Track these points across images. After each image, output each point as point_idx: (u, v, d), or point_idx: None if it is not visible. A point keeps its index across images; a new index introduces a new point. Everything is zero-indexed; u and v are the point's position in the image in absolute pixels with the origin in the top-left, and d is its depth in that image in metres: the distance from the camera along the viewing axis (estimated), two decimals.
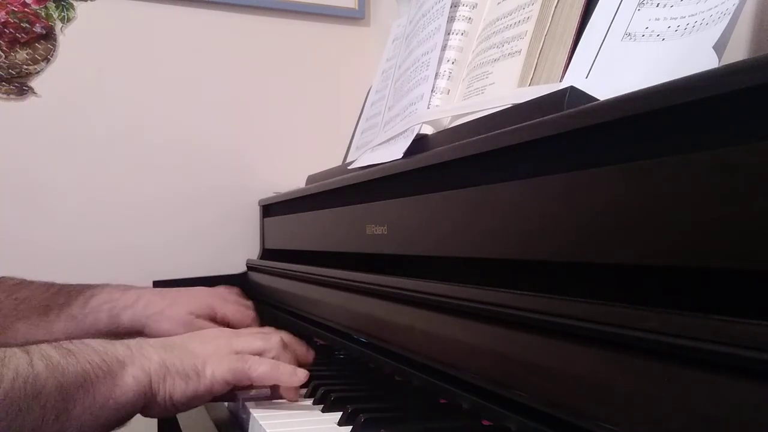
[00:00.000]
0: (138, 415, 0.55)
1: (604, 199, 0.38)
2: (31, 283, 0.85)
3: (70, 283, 0.86)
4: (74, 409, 0.48)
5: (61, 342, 0.52)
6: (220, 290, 0.92)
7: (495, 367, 0.47)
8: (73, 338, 0.79)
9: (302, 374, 0.59)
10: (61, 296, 0.83)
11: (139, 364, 0.53)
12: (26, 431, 0.45)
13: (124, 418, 0.53)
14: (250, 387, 0.61)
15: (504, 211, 0.48)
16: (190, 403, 0.56)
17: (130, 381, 0.52)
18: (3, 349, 0.47)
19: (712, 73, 0.32)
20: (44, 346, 0.50)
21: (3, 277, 0.85)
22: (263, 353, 0.61)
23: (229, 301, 0.89)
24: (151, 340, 0.58)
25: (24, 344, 0.50)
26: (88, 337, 0.79)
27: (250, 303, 0.94)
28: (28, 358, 0.47)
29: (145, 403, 0.54)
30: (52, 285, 0.85)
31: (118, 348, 0.54)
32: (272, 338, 0.63)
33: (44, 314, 0.81)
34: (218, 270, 1.32)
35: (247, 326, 0.87)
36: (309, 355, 0.68)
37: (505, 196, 0.48)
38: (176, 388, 0.54)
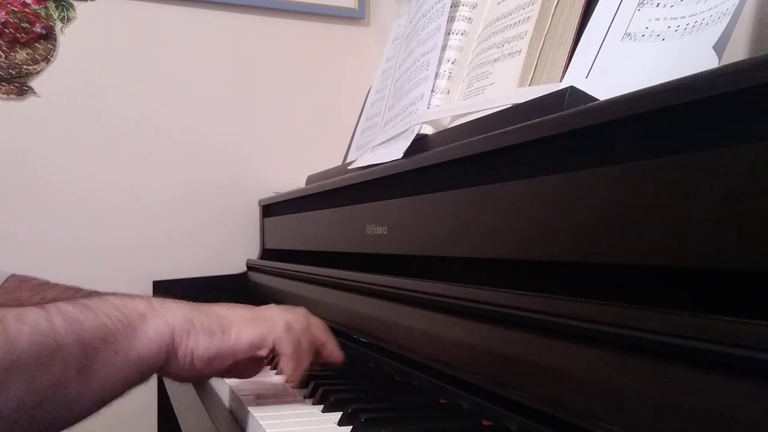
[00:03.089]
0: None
1: (604, 199, 0.38)
2: (56, 285, 0.84)
3: (97, 290, 0.85)
4: (95, 362, 0.47)
5: (77, 299, 0.50)
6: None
7: (495, 367, 0.47)
8: None
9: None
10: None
11: (161, 318, 0.52)
12: (49, 386, 0.44)
13: (146, 373, 0.52)
14: (266, 360, 0.60)
15: (504, 211, 0.48)
16: (212, 362, 0.55)
17: (151, 333, 0.51)
18: (18, 307, 0.46)
19: (712, 73, 0.32)
20: (60, 303, 0.48)
21: (26, 276, 0.84)
22: (292, 323, 0.60)
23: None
24: (174, 300, 0.57)
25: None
26: None
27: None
28: (45, 314, 0.46)
29: (167, 358, 0.52)
30: (79, 289, 0.84)
31: (138, 303, 0.53)
32: (298, 309, 0.62)
33: None
34: (218, 270, 1.32)
35: None
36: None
37: (505, 196, 0.48)
38: (199, 343, 0.53)
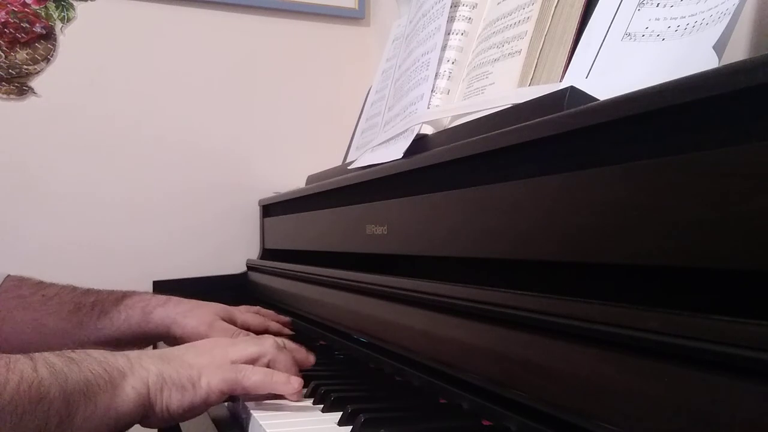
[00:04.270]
0: None
1: (604, 199, 0.38)
2: (54, 284, 0.86)
3: (92, 288, 0.88)
4: (76, 415, 0.49)
5: (63, 351, 0.52)
6: (240, 306, 0.93)
7: (495, 367, 0.47)
8: (105, 335, 0.82)
9: (296, 382, 0.59)
10: (90, 296, 0.85)
11: (138, 375, 0.54)
12: None
13: (124, 428, 0.53)
14: (247, 395, 0.61)
15: (504, 211, 0.48)
16: (187, 414, 0.57)
17: (130, 391, 0.53)
18: (7, 355, 0.48)
19: (712, 73, 0.32)
20: (46, 354, 0.50)
21: (22, 277, 0.86)
22: (259, 358, 0.61)
23: (249, 311, 0.92)
24: (150, 352, 0.59)
25: (27, 350, 0.50)
26: (119, 334, 0.82)
27: (270, 312, 0.95)
28: (32, 364, 0.48)
29: (144, 414, 0.54)
30: (75, 287, 0.87)
31: (119, 359, 0.55)
32: (266, 342, 0.63)
33: (75, 311, 0.82)
34: (218, 270, 1.32)
35: (265, 330, 0.88)
36: (309, 358, 0.67)
37: (505, 196, 0.48)
38: (173, 399, 0.55)
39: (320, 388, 0.60)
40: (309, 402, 0.60)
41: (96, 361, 0.52)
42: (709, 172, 0.31)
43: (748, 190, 0.29)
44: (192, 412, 0.57)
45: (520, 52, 0.66)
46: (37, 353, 0.50)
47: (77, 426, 0.49)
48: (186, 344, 0.65)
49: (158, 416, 0.55)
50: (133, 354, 0.57)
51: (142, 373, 0.54)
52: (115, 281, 0.95)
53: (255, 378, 0.58)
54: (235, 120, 1.38)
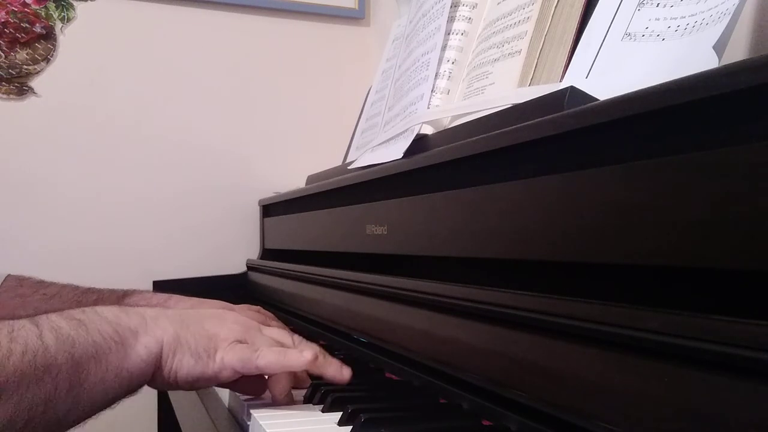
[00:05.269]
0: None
1: (603, 199, 0.38)
2: (54, 283, 0.86)
3: (93, 287, 0.88)
4: (87, 379, 0.48)
5: (71, 311, 0.51)
6: (241, 305, 0.93)
7: (495, 367, 0.47)
8: None
9: (309, 354, 0.57)
10: (91, 295, 0.85)
11: (152, 334, 0.53)
12: (39, 403, 0.44)
13: (135, 387, 0.53)
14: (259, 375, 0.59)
15: (504, 211, 0.48)
16: (194, 383, 0.55)
17: (142, 351, 0.52)
18: (11, 321, 0.46)
19: (712, 73, 0.32)
20: (53, 316, 0.49)
21: (22, 276, 0.87)
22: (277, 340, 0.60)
23: (251, 310, 0.91)
24: (169, 312, 0.57)
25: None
26: None
27: (270, 314, 0.95)
28: (37, 331, 0.46)
29: (153, 372, 0.53)
30: (76, 286, 0.87)
31: (132, 317, 0.53)
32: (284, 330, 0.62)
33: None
34: (218, 270, 1.32)
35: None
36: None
37: (505, 196, 0.48)
38: (184, 364, 0.54)
39: (320, 388, 0.60)
40: (309, 402, 0.60)
41: (106, 321, 0.51)
42: (709, 172, 0.31)
43: (748, 190, 0.29)
44: (199, 383, 0.55)
45: (520, 52, 0.66)
46: (43, 316, 0.48)
47: (88, 389, 0.48)
48: (206, 309, 0.63)
49: (164, 378, 0.53)
50: (151, 312, 0.55)
51: (157, 332, 0.53)
52: (116, 281, 0.95)
53: (270, 357, 0.56)
54: (235, 120, 1.38)
